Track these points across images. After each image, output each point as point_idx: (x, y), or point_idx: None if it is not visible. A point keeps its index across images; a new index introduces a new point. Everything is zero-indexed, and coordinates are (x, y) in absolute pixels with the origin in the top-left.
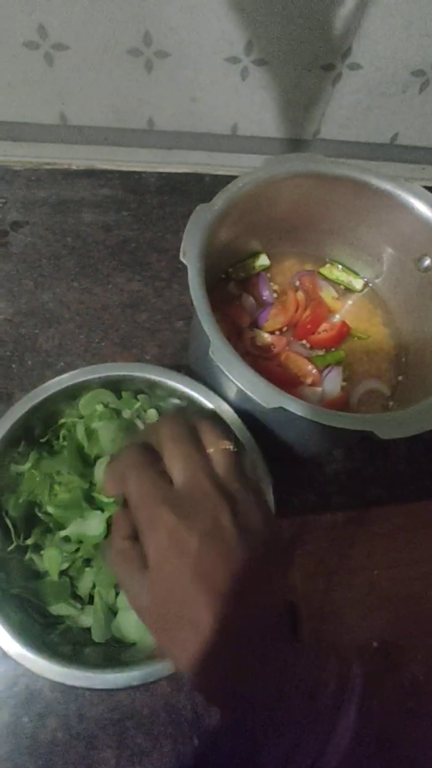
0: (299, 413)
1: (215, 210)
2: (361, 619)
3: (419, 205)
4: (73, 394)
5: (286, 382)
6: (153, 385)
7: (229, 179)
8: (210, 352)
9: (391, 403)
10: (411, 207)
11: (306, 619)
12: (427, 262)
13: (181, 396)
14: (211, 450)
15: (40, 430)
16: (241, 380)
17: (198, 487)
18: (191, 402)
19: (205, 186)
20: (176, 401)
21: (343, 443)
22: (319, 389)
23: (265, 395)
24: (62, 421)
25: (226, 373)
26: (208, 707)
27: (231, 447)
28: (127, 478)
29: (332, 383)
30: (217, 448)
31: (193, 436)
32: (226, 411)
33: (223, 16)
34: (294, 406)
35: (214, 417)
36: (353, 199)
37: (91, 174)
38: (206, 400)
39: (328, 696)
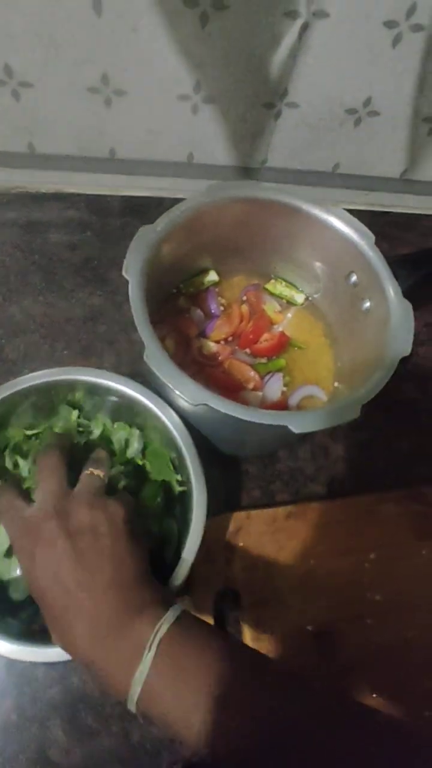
0: (222, 410)
1: (158, 231)
2: (298, 607)
3: (343, 227)
4: (13, 402)
5: (230, 386)
6: (93, 387)
7: None
8: (144, 356)
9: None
10: (336, 229)
11: (247, 606)
12: (354, 278)
13: (120, 395)
14: (85, 472)
15: None
16: (170, 380)
17: (41, 508)
18: (130, 401)
19: (164, 208)
20: (114, 399)
21: (284, 442)
22: (260, 393)
23: (191, 393)
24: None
25: (157, 373)
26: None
27: (99, 473)
28: None
29: (272, 388)
30: (85, 474)
31: (61, 467)
32: (167, 412)
33: (173, 60)
34: (216, 403)
35: (100, 444)
36: (287, 222)
37: (58, 197)
38: (146, 400)
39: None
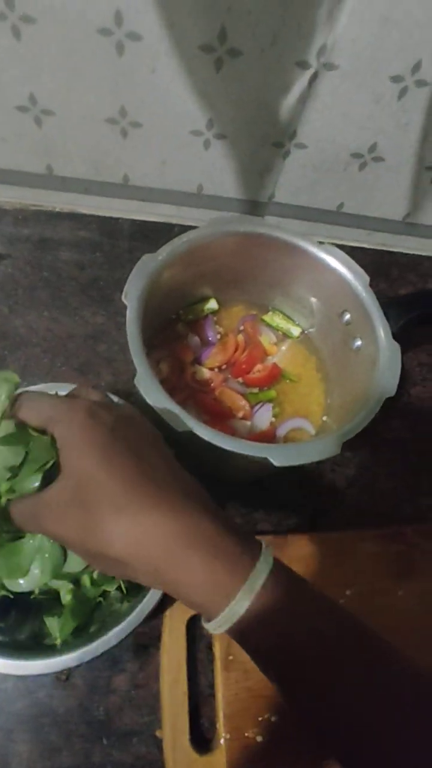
0: (205, 438)
1: (159, 260)
2: None
3: (338, 266)
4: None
5: (220, 413)
6: None
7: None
8: (135, 380)
9: None
10: (332, 268)
11: (221, 639)
12: (347, 316)
13: None
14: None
15: None
16: (158, 405)
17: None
18: None
19: (174, 234)
20: None
21: (268, 472)
22: (248, 423)
23: (176, 420)
24: None
25: (146, 398)
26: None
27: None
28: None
29: (261, 418)
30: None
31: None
32: None
33: (188, 99)
34: (201, 431)
35: None
36: (286, 258)
37: (72, 217)
38: None
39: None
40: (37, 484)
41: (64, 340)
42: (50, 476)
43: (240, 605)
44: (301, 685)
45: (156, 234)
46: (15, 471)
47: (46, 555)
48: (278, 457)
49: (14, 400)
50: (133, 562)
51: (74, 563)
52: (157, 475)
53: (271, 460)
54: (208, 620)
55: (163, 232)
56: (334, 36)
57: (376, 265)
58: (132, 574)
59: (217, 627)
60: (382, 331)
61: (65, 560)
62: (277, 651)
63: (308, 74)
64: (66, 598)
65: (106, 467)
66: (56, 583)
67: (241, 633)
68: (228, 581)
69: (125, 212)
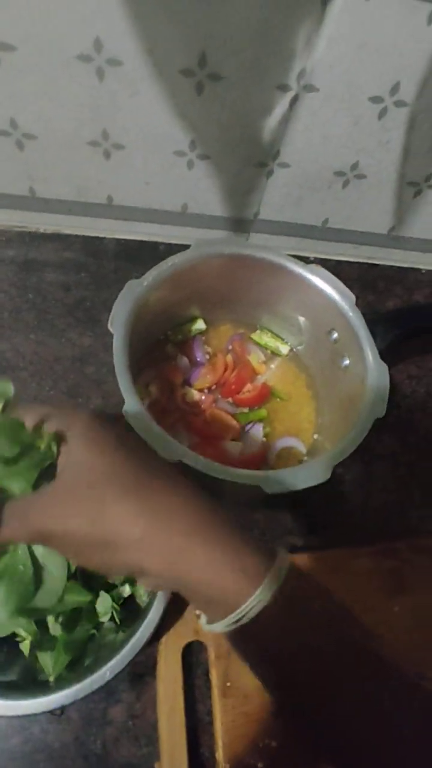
0: (196, 467)
1: (145, 285)
2: None
3: (324, 286)
4: None
5: (211, 435)
6: None
7: (182, 248)
8: (123, 410)
9: (305, 458)
10: (318, 288)
11: (215, 659)
12: (335, 335)
13: None
14: None
15: None
16: (147, 436)
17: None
18: None
19: (159, 253)
20: None
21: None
22: (240, 444)
23: (167, 449)
24: None
25: (135, 428)
26: None
27: None
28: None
29: (252, 439)
30: None
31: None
32: None
33: (170, 121)
34: (192, 460)
35: None
36: (272, 278)
37: (56, 238)
38: None
39: None
40: (31, 482)
41: (51, 363)
42: (46, 477)
43: (258, 601)
44: (298, 697)
45: (141, 253)
46: (8, 465)
47: (15, 579)
48: (270, 485)
49: (6, 406)
50: (145, 547)
51: (45, 597)
52: (163, 472)
53: (263, 488)
54: (213, 621)
55: (149, 251)
56: (313, 60)
57: (363, 278)
58: (139, 564)
59: (226, 625)
60: (370, 352)
61: (36, 591)
62: (279, 658)
63: (289, 96)
64: (56, 629)
65: (113, 455)
66: (20, 622)
67: (245, 635)
68: (247, 577)
69: (110, 232)
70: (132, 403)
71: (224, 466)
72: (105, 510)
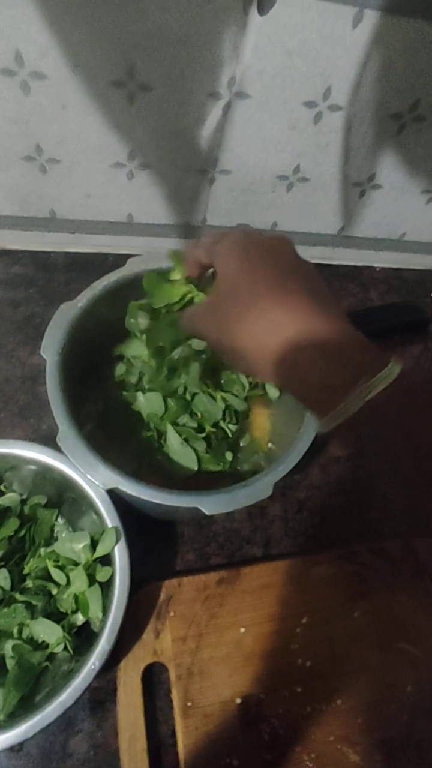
0: (133, 493)
1: (79, 307)
2: (226, 677)
3: None
4: None
5: None
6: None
7: (132, 257)
8: (57, 438)
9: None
10: None
11: (175, 679)
12: None
13: (39, 465)
14: None
15: None
16: (82, 464)
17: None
18: (47, 469)
19: (108, 264)
20: (32, 467)
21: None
22: None
23: (102, 478)
24: None
25: (69, 457)
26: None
27: None
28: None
29: None
30: None
31: None
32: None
33: (105, 132)
34: (127, 487)
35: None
36: None
37: (3, 254)
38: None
39: None
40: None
41: (1, 384)
42: None
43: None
44: None
45: (91, 264)
46: None
47: None
48: (209, 505)
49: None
50: (254, 355)
51: None
52: (296, 286)
53: (203, 510)
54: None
55: (98, 263)
56: (242, 68)
57: None
58: (253, 367)
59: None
60: None
61: None
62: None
63: (221, 104)
64: (10, 663)
65: (246, 272)
66: None
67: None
68: (355, 371)
69: (57, 245)
70: (66, 433)
71: (162, 490)
72: (226, 325)
